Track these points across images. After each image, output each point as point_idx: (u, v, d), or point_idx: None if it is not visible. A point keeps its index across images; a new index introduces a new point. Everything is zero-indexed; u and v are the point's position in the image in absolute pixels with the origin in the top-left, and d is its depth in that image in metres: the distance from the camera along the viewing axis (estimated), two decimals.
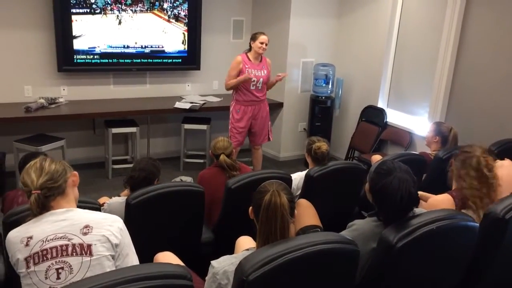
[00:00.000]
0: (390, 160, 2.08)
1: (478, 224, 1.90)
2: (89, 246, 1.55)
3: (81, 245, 1.55)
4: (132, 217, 2.28)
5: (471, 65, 4.00)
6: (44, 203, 1.59)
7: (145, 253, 1.90)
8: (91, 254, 1.55)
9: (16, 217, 1.95)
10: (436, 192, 2.39)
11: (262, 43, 4.13)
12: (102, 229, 1.59)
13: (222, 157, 2.92)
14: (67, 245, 1.54)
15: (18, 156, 4.17)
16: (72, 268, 1.53)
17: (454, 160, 2.34)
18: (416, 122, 4.56)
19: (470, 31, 3.98)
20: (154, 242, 2.18)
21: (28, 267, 1.53)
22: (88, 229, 1.57)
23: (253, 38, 4.19)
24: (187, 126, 4.95)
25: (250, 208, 1.72)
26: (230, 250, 2.04)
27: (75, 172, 1.72)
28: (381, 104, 4.95)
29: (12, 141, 4.20)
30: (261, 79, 4.24)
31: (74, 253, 1.54)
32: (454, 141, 3.37)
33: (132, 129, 4.75)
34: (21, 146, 4.15)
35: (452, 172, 2.38)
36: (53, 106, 4.54)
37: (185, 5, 5.01)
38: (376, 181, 1.83)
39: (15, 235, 1.58)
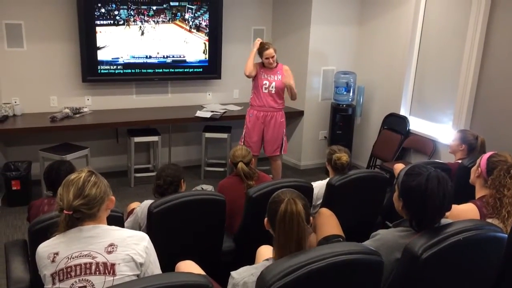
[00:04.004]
0: (418, 164, 2.04)
1: (506, 235, 1.84)
2: (113, 265, 1.54)
3: (104, 264, 1.54)
4: (154, 225, 2.29)
5: (496, 71, 3.91)
6: (73, 223, 1.58)
7: (167, 262, 1.90)
8: (114, 274, 1.54)
9: (42, 225, 1.99)
10: (462, 202, 2.33)
11: (267, 58, 4.20)
12: (127, 248, 1.58)
13: (240, 165, 2.91)
14: (91, 264, 1.53)
15: (44, 165, 4.26)
16: (94, 287, 1.53)
17: (496, 168, 2.27)
18: (440, 130, 4.48)
19: (495, 36, 3.89)
20: (175, 251, 2.19)
21: (53, 283, 1.54)
22: (112, 248, 1.56)
23: (259, 53, 4.25)
24: (208, 134, 4.98)
25: (265, 219, 1.71)
26: (251, 259, 2.03)
27: (113, 198, 1.70)
28: (403, 111, 4.88)
29: (38, 150, 4.30)
30: (274, 83, 4.28)
31: (98, 272, 1.53)
32: (482, 149, 3.29)
33: (154, 138, 4.80)
34: (47, 155, 4.24)
35: (480, 178, 2.33)
36: (77, 115, 4.63)
37: (206, 15, 5.07)
38: (411, 182, 1.76)
39: (44, 249, 1.58)
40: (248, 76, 4.31)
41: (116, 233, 1.62)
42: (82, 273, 1.53)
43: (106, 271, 1.53)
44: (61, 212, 1.58)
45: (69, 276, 1.53)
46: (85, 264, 1.53)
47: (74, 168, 2.70)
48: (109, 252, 1.55)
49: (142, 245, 1.61)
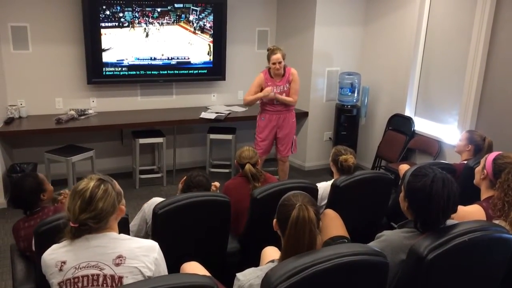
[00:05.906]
0: (424, 165, 2.03)
1: None
2: (120, 278, 1.51)
3: (112, 277, 1.51)
4: (159, 227, 2.29)
5: (502, 71, 3.89)
6: (80, 234, 1.55)
7: (171, 263, 1.91)
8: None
9: (48, 226, 1.99)
10: (468, 202, 2.32)
11: (274, 63, 4.11)
12: (136, 260, 1.54)
13: (248, 166, 2.91)
14: (98, 275, 1.50)
15: (49, 167, 4.29)
16: None
17: (503, 171, 2.25)
18: (445, 131, 4.46)
19: (500, 35, 3.87)
20: (180, 252, 2.19)
21: None
22: (121, 260, 1.52)
23: (268, 58, 4.16)
24: (212, 136, 4.99)
25: (275, 220, 1.71)
26: (256, 260, 2.03)
27: (122, 207, 1.63)
28: (408, 112, 4.87)
29: (44, 152, 4.31)
30: (284, 94, 4.26)
31: (105, 285, 1.50)
32: (489, 151, 3.27)
33: (159, 140, 4.81)
34: (52, 156, 4.25)
35: (485, 180, 2.32)
36: (82, 117, 4.66)
37: (211, 17, 5.08)
38: (416, 183, 1.76)
39: (51, 257, 1.55)
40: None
41: (124, 244, 1.57)
42: (89, 285, 1.50)
43: (114, 284, 1.51)
44: (68, 222, 1.54)
45: (76, 286, 1.51)
46: (93, 275, 1.51)
47: (40, 180, 2.53)
48: (117, 264, 1.52)
49: (152, 257, 1.57)
